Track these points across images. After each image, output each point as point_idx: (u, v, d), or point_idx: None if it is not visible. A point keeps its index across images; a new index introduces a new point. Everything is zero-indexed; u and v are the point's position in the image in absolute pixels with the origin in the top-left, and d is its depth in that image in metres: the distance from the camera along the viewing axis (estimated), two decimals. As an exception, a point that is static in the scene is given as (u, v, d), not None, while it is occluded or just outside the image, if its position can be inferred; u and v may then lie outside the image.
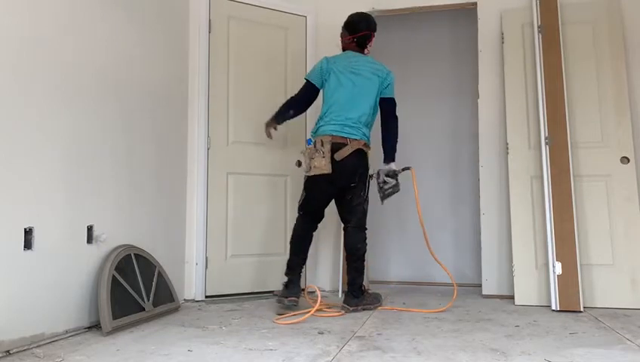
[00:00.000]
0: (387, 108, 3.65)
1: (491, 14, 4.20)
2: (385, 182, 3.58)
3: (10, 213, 2.45)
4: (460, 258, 4.89)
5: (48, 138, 2.68)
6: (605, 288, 3.61)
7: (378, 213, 5.03)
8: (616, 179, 3.73)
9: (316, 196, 3.53)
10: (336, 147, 3.42)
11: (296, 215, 3.62)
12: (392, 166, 3.60)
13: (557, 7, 3.92)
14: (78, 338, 2.72)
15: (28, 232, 2.53)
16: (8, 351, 2.40)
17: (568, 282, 3.52)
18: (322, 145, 3.42)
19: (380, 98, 3.61)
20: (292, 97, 3.66)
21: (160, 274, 3.37)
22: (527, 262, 3.75)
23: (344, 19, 4.43)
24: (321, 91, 3.63)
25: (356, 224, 3.55)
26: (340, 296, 4.09)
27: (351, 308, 3.40)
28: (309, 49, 4.35)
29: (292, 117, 3.66)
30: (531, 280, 3.72)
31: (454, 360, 2.33)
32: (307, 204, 3.56)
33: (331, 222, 4.31)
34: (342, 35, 3.77)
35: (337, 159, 3.41)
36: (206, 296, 3.87)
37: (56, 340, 2.65)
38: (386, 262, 4.98)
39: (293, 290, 3.41)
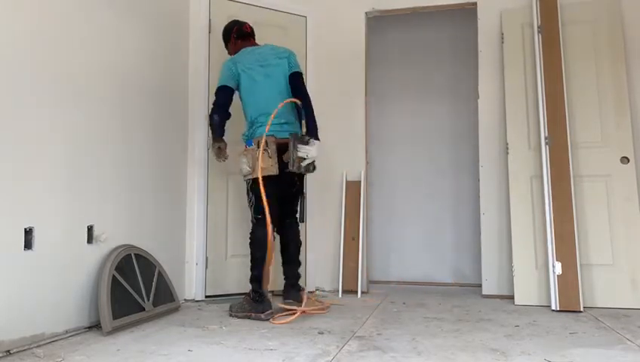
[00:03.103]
0: (294, 82, 3.49)
1: (491, 14, 4.20)
2: (303, 158, 3.35)
3: (11, 213, 2.45)
4: (460, 258, 4.90)
5: (48, 138, 2.68)
6: (605, 288, 3.61)
7: (378, 213, 5.05)
8: (616, 179, 3.73)
9: (269, 196, 3.31)
10: (281, 148, 3.33)
11: (251, 222, 3.42)
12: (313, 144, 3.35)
13: (557, 7, 3.92)
14: (79, 338, 2.72)
15: (28, 232, 2.53)
16: (8, 351, 2.40)
17: (568, 282, 3.52)
18: (267, 145, 3.30)
19: (289, 75, 3.50)
20: (213, 105, 3.47)
21: (160, 274, 3.37)
22: (527, 262, 3.75)
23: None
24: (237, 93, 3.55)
25: (295, 218, 3.57)
26: (340, 295, 4.09)
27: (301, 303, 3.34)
28: (308, 49, 4.35)
29: (220, 123, 3.45)
30: (531, 280, 3.72)
31: (454, 360, 2.33)
32: (263, 205, 3.31)
33: (331, 222, 4.32)
34: (229, 44, 3.70)
35: (285, 160, 3.32)
36: (206, 296, 3.87)
37: (56, 340, 2.65)
38: (386, 262, 4.98)
39: (267, 303, 3.27)
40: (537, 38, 3.92)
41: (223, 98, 3.45)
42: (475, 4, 4.28)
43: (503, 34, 4.11)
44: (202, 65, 3.95)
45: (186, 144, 3.93)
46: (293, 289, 3.53)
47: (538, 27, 3.93)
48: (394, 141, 5.15)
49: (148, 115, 3.49)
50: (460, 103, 4.95)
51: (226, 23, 3.76)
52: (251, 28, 3.70)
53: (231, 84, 3.47)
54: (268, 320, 3.17)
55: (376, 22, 4.70)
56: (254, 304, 3.27)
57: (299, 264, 3.60)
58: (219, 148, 3.49)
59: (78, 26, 2.90)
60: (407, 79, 5.18)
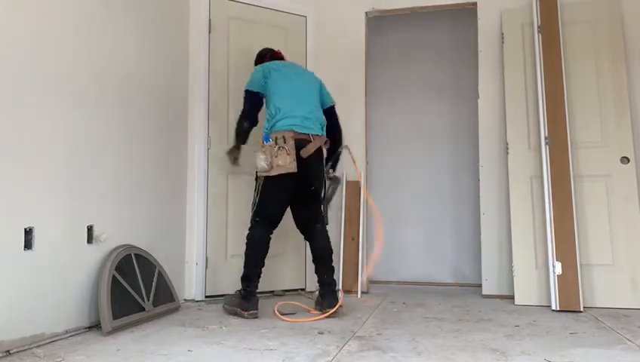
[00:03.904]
0: (334, 116, 3.58)
1: (491, 14, 4.20)
2: (333, 190, 3.66)
3: (11, 213, 2.45)
4: (460, 258, 4.90)
5: (48, 138, 2.68)
6: (605, 288, 3.61)
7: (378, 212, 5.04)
8: (616, 179, 3.73)
9: (278, 198, 3.28)
10: (299, 143, 3.19)
11: (250, 222, 3.36)
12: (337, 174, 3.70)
13: (557, 7, 3.92)
14: (78, 338, 2.72)
15: (28, 232, 2.53)
16: (8, 351, 2.40)
17: (568, 282, 3.52)
18: (285, 141, 3.15)
19: (324, 110, 3.49)
20: (242, 112, 3.46)
21: (160, 274, 3.37)
22: (527, 262, 3.75)
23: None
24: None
25: (322, 223, 3.46)
26: (339, 295, 4.07)
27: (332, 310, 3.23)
28: (309, 49, 4.35)
29: (248, 130, 3.45)
30: (531, 280, 3.72)
31: (454, 360, 2.33)
32: (267, 208, 3.28)
33: (331, 222, 4.30)
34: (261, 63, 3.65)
35: (304, 156, 3.18)
36: (206, 296, 3.87)
37: (56, 340, 2.65)
38: (386, 262, 4.98)
39: (253, 303, 3.22)
40: (537, 38, 3.92)
41: (251, 105, 3.42)
42: (475, 4, 4.28)
43: (503, 34, 4.11)
44: (202, 65, 3.95)
45: (186, 144, 3.93)
46: (329, 295, 3.32)
47: (538, 27, 3.93)
48: (394, 141, 5.15)
49: (148, 114, 3.48)
50: (460, 103, 4.95)
51: (259, 50, 3.75)
52: (282, 54, 3.71)
53: (259, 88, 3.42)
54: (252, 319, 3.17)
55: (376, 22, 4.70)
56: (241, 301, 3.26)
57: (333, 270, 3.41)
58: (234, 158, 3.53)
59: (78, 26, 2.90)
60: (407, 79, 5.19)
